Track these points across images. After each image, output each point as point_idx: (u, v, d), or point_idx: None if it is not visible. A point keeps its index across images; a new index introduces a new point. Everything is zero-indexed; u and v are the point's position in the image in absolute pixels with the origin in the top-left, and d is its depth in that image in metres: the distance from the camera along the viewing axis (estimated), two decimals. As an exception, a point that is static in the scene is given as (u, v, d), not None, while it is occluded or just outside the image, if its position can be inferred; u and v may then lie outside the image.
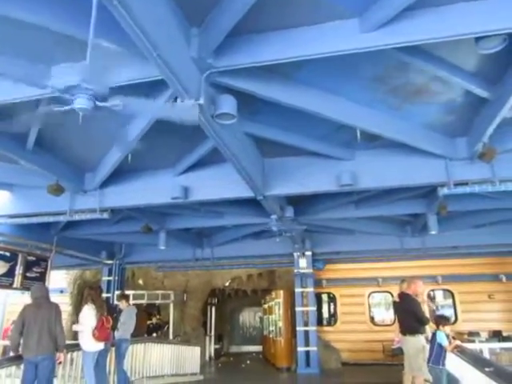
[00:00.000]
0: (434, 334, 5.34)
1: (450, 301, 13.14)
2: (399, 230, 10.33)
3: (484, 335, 10.87)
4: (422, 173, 5.95)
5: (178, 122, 3.16)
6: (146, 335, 12.83)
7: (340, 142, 5.98)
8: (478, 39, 3.44)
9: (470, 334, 10.71)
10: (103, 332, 5.91)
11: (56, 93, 2.71)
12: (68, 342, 7.28)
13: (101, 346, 5.96)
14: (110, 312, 6.28)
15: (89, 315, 5.90)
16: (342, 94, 4.69)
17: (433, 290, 13.28)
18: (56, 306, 5.53)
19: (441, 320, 5.49)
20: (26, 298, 7.34)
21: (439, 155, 5.75)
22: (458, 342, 5.28)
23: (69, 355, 6.14)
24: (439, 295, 13.66)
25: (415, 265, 12.06)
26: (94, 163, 6.48)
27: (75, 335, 6.70)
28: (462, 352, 5.16)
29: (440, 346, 5.18)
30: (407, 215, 9.42)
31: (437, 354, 5.20)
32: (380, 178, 6.16)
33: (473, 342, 8.87)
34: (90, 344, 5.86)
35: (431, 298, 13.30)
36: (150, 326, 13.71)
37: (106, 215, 7.08)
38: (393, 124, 5.20)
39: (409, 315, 5.92)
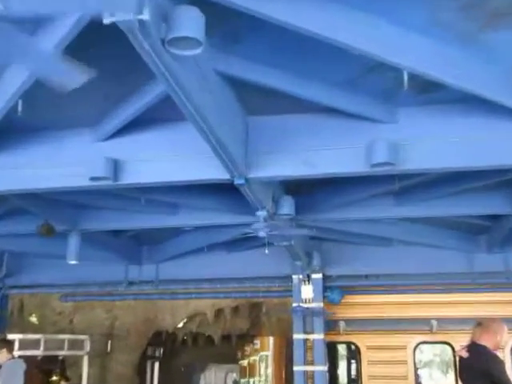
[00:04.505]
0: None
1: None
2: (467, 243, 10.50)
3: None
4: (505, 147, 6.01)
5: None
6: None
7: (373, 93, 5.98)
8: None
9: None
10: None
11: None
12: None
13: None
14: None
15: None
16: (380, 12, 4.66)
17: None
18: None
19: None
20: None
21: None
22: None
23: None
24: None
25: (494, 299, 12.21)
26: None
27: None
28: None
29: None
30: (480, 217, 9.55)
31: None
32: (437, 155, 6.18)
33: None
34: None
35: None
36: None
37: (-24, 206, 7.03)
38: (462, 64, 5.22)
39: (481, 379, 6.03)
